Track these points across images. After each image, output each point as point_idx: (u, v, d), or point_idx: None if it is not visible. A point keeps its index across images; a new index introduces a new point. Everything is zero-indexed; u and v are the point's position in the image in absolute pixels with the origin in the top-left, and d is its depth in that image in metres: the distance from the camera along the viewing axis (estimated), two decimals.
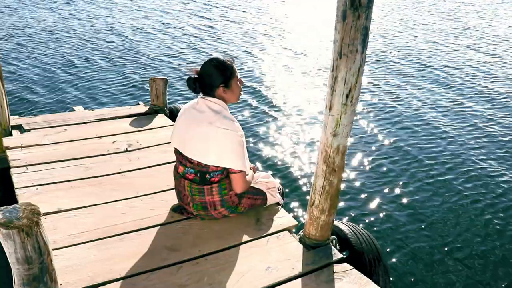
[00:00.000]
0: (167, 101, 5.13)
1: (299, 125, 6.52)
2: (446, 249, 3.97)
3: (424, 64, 9.85)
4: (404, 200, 4.63)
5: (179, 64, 9.17)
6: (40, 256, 1.94)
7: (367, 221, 4.28)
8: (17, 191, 3.26)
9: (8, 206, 1.91)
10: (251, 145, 5.73)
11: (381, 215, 4.39)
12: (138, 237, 2.82)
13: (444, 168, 5.33)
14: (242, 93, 2.89)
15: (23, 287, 1.98)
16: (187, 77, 2.76)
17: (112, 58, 9.39)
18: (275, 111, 7.00)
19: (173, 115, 4.97)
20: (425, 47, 11.36)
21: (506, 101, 7.70)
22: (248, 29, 12.89)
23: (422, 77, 9.00)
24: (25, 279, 1.95)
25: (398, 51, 10.88)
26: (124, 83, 7.90)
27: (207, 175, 2.77)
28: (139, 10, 14.98)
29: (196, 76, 2.73)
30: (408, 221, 4.31)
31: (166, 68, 8.92)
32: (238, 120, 2.79)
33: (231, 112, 2.81)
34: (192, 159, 2.76)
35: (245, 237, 2.84)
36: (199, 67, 2.75)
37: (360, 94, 2.41)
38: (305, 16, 15.17)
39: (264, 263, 2.61)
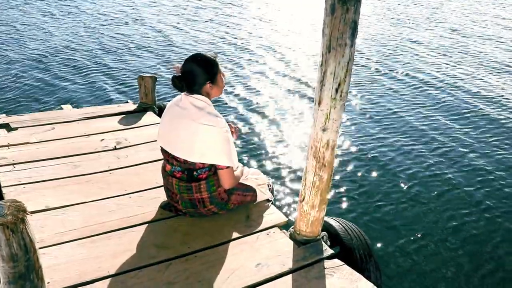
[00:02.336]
0: (156, 99, 5.09)
1: (288, 121, 6.51)
2: (437, 243, 3.97)
3: (414, 58, 9.89)
4: (394, 195, 4.64)
5: (168, 62, 9.12)
6: (26, 254, 1.90)
7: (357, 216, 4.28)
8: (3, 190, 3.22)
9: None
10: (240, 141, 5.70)
11: (371, 210, 4.39)
12: (127, 235, 2.79)
13: (436, 161, 5.34)
14: (225, 86, 2.88)
15: (9, 285, 1.94)
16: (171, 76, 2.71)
17: (100, 56, 9.32)
18: (264, 106, 6.99)
19: (162, 112, 4.93)
20: (416, 41, 11.41)
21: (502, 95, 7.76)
22: (237, 24, 12.89)
23: (413, 71, 9.02)
24: (11, 277, 1.91)
25: (388, 46, 10.91)
26: (113, 81, 7.84)
27: (194, 172, 2.74)
28: (127, 7, 14.88)
29: (180, 74, 2.69)
30: (399, 216, 4.32)
31: (155, 66, 8.86)
32: (226, 116, 2.77)
33: (220, 108, 2.78)
34: (178, 157, 2.73)
35: (235, 234, 2.82)
36: (181, 64, 2.72)
37: (349, 88, 2.40)
38: (295, 10, 15.20)
39: (254, 259, 2.60)
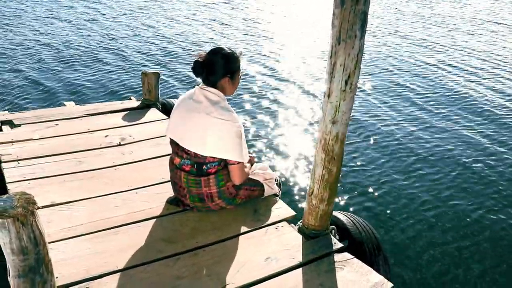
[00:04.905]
0: (159, 95, 5.07)
1: (296, 113, 6.50)
2: (445, 237, 3.95)
3: (425, 50, 9.89)
4: (402, 189, 4.61)
5: (171, 58, 9.09)
6: (36, 247, 1.88)
7: (364, 210, 4.25)
8: (8, 186, 3.20)
9: (1, 196, 1.85)
10: (248, 135, 5.67)
11: (379, 204, 4.36)
12: (134, 230, 2.77)
13: (444, 157, 5.31)
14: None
15: (19, 279, 1.92)
16: (193, 60, 2.67)
17: (103, 53, 9.28)
18: (272, 99, 6.99)
19: (165, 109, 4.92)
20: (426, 33, 11.41)
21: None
22: (243, 18, 12.89)
23: (424, 63, 9.02)
24: (21, 270, 1.89)
25: (397, 38, 10.91)
26: (116, 78, 7.80)
27: (204, 166, 2.72)
28: (130, 3, 14.84)
29: (203, 60, 2.66)
30: (406, 210, 4.29)
31: (158, 62, 8.83)
32: (234, 110, 2.75)
33: (228, 101, 2.76)
34: (188, 150, 2.71)
35: (243, 228, 2.80)
36: (201, 52, 2.70)
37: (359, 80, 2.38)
38: (304, 3, 15.25)
39: (263, 253, 2.58)
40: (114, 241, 2.66)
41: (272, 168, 4.78)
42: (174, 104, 4.82)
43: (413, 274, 3.53)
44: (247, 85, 7.58)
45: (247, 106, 6.71)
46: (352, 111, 2.47)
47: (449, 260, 3.69)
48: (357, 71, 2.30)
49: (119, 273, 2.39)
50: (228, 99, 2.76)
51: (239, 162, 2.72)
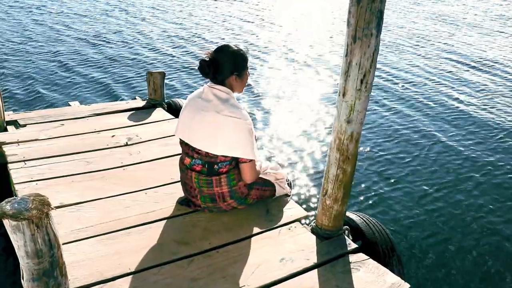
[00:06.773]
0: (165, 95, 5.03)
1: (309, 112, 6.45)
2: (459, 238, 3.90)
3: (440, 49, 9.86)
4: (415, 189, 4.55)
5: (177, 57, 9.04)
6: (50, 250, 1.85)
7: (377, 211, 4.21)
8: (16, 186, 3.17)
9: (15, 197, 1.82)
10: (258, 134, 5.63)
11: (392, 204, 4.30)
12: (145, 231, 2.74)
13: (458, 157, 5.25)
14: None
15: (33, 282, 1.89)
16: (200, 59, 2.63)
17: (107, 52, 9.22)
18: (284, 97, 6.95)
19: (171, 109, 4.89)
20: (441, 31, 11.38)
21: None
22: (251, 15, 12.85)
23: (438, 61, 8.99)
24: (35, 274, 1.86)
25: (413, 36, 10.89)
26: (120, 78, 7.74)
27: (215, 166, 2.69)
28: (134, 3, 14.79)
29: (210, 59, 2.62)
30: (420, 210, 4.24)
31: (163, 62, 8.78)
32: (245, 108, 2.72)
33: (238, 99, 2.73)
34: (199, 150, 2.68)
35: (256, 229, 2.77)
36: (208, 50, 2.67)
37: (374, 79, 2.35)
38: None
39: (278, 254, 2.55)
40: (126, 242, 2.63)
41: (284, 167, 4.74)
42: (179, 104, 4.85)
43: (427, 276, 3.49)
44: (257, 82, 7.53)
45: (258, 103, 6.67)
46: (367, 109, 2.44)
47: (464, 261, 3.64)
48: (372, 70, 2.28)
49: (133, 275, 2.36)
50: (238, 97, 2.73)
51: (250, 160, 2.69)
